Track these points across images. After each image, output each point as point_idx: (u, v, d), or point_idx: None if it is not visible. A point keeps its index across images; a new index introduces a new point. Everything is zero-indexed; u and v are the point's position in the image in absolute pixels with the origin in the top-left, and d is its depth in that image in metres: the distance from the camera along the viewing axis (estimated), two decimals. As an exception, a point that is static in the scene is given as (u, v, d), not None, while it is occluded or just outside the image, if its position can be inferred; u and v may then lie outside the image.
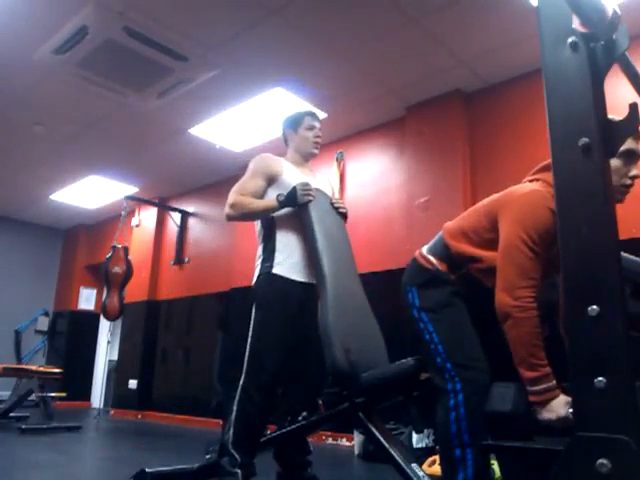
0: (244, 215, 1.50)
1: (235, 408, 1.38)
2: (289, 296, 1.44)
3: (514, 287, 0.96)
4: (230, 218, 1.52)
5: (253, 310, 1.46)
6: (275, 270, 1.46)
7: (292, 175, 1.56)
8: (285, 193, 1.47)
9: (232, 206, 1.49)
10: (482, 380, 1.00)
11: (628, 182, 1.02)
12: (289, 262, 1.47)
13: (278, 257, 1.47)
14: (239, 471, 1.32)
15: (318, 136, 1.62)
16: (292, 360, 1.46)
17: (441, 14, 2.34)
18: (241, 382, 1.39)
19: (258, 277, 1.50)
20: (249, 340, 1.42)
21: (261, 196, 1.52)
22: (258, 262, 1.53)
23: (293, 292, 1.45)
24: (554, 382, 0.93)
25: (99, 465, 2.39)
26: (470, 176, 2.86)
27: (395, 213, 3.09)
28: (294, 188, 1.44)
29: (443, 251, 1.13)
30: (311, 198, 1.44)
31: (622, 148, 0.96)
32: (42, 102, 3.23)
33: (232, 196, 1.51)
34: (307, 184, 1.46)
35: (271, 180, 1.53)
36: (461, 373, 1.00)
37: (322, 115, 3.21)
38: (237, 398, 1.38)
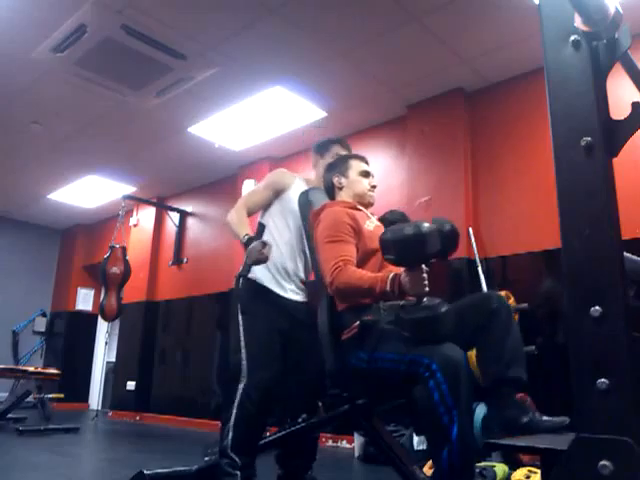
0: (230, 229, 1.56)
1: (235, 412, 1.38)
2: (265, 299, 1.49)
3: (327, 268, 1.19)
4: (226, 222, 1.57)
5: (239, 316, 1.49)
6: (251, 275, 1.49)
7: (298, 193, 1.59)
8: (286, 206, 1.55)
9: (233, 213, 1.55)
10: (447, 345, 1.03)
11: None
12: (268, 275, 1.51)
13: (261, 266, 1.49)
14: (238, 473, 1.32)
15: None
16: (289, 360, 1.48)
17: (442, 12, 2.34)
18: (242, 385, 1.40)
19: (238, 278, 1.52)
20: (242, 345, 1.45)
21: (265, 207, 1.60)
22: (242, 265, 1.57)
23: (268, 297, 1.50)
24: (390, 273, 1.10)
25: (97, 467, 2.37)
26: (472, 175, 2.86)
27: (394, 213, 3.08)
28: (251, 246, 1.41)
29: (346, 308, 1.23)
30: (258, 259, 1.41)
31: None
32: (40, 101, 3.21)
33: (240, 203, 1.57)
34: (263, 246, 1.41)
35: (279, 193, 1.59)
36: (423, 351, 1.03)
37: (322, 114, 3.21)
38: (237, 401, 1.38)
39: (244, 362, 1.42)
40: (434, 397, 0.98)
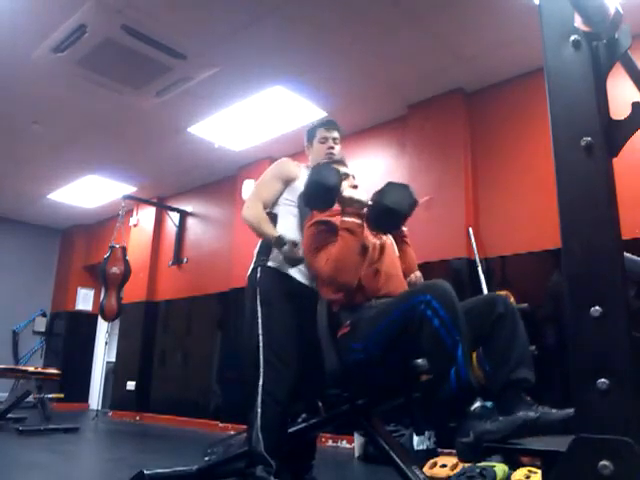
0: (253, 228, 1.52)
1: (259, 411, 1.32)
2: (287, 287, 1.46)
3: (319, 278, 1.34)
4: (243, 219, 1.54)
5: (258, 307, 1.43)
6: (270, 263, 1.48)
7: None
8: (295, 196, 1.54)
9: (249, 208, 1.52)
10: (434, 280, 1.12)
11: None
12: (283, 261, 1.48)
13: (274, 253, 1.49)
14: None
15: (331, 147, 1.63)
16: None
17: (442, 12, 2.34)
18: (260, 383, 1.34)
19: (253, 270, 1.51)
20: (260, 338, 1.39)
21: (277, 200, 1.58)
22: (254, 256, 1.56)
23: (290, 284, 1.47)
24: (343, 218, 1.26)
25: (97, 467, 2.37)
26: (472, 175, 2.85)
27: (394, 213, 3.08)
28: (284, 245, 1.42)
29: (340, 308, 1.30)
30: (296, 261, 1.43)
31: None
32: (40, 101, 3.21)
33: (252, 200, 1.54)
34: (294, 246, 1.41)
35: (288, 182, 1.58)
36: (413, 294, 1.11)
37: (322, 114, 3.20)
38: (259, 400, 1.33)
39: (261, 356, 1.36)
40: (434, 323, 1.03)
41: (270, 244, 1.47)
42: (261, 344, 1.38)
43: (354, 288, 1.24)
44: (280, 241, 1.42)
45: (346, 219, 1.24)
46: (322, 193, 1.22)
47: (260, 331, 1.40)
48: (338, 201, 1.24)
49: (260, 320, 1.42)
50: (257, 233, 1.51)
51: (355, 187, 1.43)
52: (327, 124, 1.65)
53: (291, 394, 1.37)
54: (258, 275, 1.48)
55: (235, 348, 3.70)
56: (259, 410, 1.33)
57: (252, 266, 1.53)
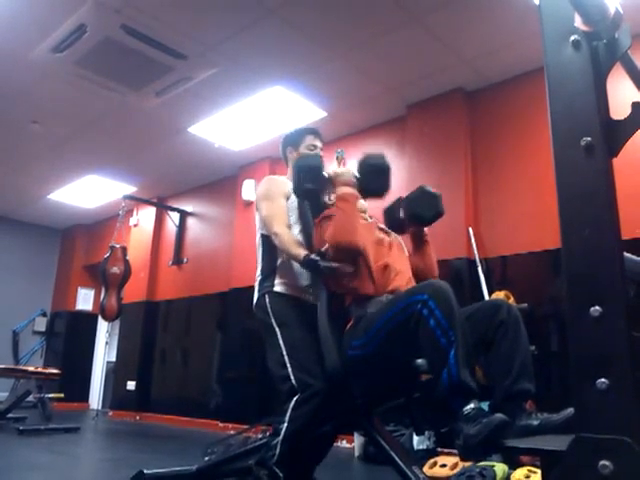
0: (281, 248, 1.46)
1: (286, 426, 1.30)
2: (299, 307, 1.44)
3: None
4: (283, 251, 1.46)
5: (276, 330, 1.40)
6: (277, 289, 1.45)
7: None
8: (291, 211, 1.50)
9: (276, 235, 1.44)
10: (433, 280, 1.17)
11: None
12: (290, 284, 1.46)
13: (278, 278, 1.46)
14: None
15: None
16: None
17: (443, 12, 2.34)
18: (296, 398, 1.32)
19: (260, 298, 1.47)
20: (286, 360, 1.36)
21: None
22: (256, 283, 1.52)
23: (299, 304, 1.44)
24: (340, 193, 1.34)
25: (97, 466, 2.38)
26: (472, 175, 2.85)
27: (394, 213, 3.08)
28: (317, 264, 1.32)
29: (352, 301, 1.34)
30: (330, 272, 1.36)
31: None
32: (40, 101, 3.21)
33: (275, 225, 1.45)
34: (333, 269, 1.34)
35: (287, 198, 1.53)
36: (411, 292, 1.15)
37: (322, 114, 3.21)
38: (289, 415, 1.31)
39: (292, 377, 1.33)
40: (430, 323, 1.04)
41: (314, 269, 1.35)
42: (289, 366, 1.35)
43: (360, 253, 1.26)
44: (308, 265, 1.34)
45: (338, 190, 1.32)
46: (312, 174, 1.33)
47: (284, 352, 1.37)
48: (328, 181, 1.35)
49: (281, 341, 1.39)
50: (284, 251, 1.44)
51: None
52: (315, 132, 1.61)
53: (323, 408, 1.33)
54: (267, 301, 1.44)
55: (235, 348, 3.70)
56: (285, 425, 1.31)
57: (257, 295, 1.49)
